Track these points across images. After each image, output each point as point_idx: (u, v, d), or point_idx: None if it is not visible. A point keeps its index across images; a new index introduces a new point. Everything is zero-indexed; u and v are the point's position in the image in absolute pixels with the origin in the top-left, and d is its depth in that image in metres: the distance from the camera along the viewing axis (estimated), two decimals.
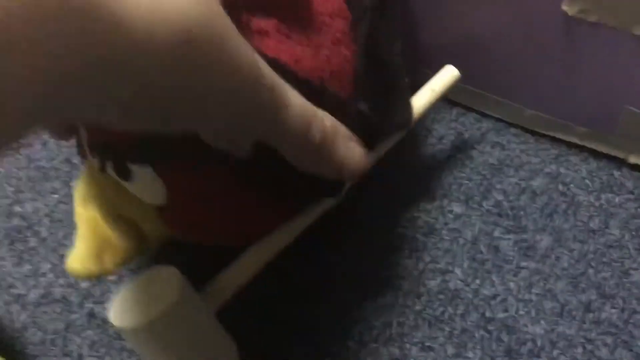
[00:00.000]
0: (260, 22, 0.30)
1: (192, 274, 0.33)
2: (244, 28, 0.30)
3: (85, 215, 0.36)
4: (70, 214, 0.46)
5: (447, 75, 0.44)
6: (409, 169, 0.48)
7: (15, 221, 0.46)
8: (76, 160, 0.49)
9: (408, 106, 0.40)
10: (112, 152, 0.33)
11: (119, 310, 0.33)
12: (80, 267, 0.35)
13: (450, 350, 0.40)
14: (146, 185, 0.34)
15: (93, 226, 0.36)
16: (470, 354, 0.40)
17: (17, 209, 0.47)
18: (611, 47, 0.41)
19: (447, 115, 0.51)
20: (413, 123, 0.41)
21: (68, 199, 0.47)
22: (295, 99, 0.28)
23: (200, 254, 0.38)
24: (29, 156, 0.49)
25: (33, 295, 0.43)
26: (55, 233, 0.45)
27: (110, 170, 0.34)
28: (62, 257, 0.44)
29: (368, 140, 0.36)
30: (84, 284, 0.43)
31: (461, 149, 0.49)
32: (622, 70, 0.42)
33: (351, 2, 0.35)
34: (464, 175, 0.48)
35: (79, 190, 0.37)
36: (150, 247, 0.37)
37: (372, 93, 0.36)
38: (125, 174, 0.34)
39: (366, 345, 0.41)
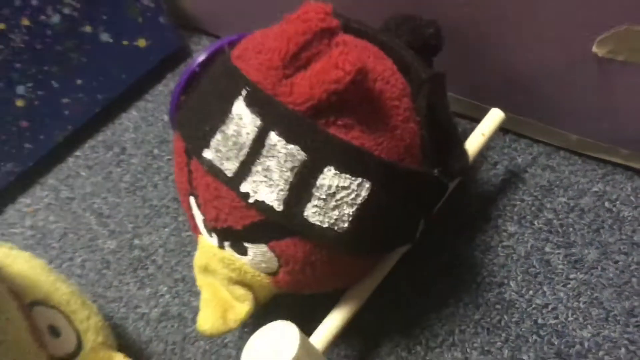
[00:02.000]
0: (345, 119, 0.37)
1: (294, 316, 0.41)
2: (330, 125, 0.37)
3: (207, 283, 0.44)
4: (180, 244, 0.55)
5: (494, 117, 0.50)
6: (467, 193, 0.54)
7: (136, 252, 0.56)
8: None
9: (464, 154, 0.46)
10: (230, 235, 0.41)
11: (251, 356, 0.41)
12: (210, 328, 0.42)
13: (507, 353, 0.46)
14: (259, 258, 0.41)
15: (214, 292, 0.43)
16: (524, 357, 0.46)
17: (137, 242, 0.56)
18: (639, 79, 0.46)
19: (501, 142, 0.57)
20: (469, 168, 0.48)
21: (177, 232, 0.56)
22: None
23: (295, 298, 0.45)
24: (143, 197, 0.59)
25: (154, 313, 0.52)
26: (169, 261, 0.55)
27: (227, 247, 0.42)
28: (176, 281, 0.53)
29: (439, 197, 0.44)
30: (195, 303, 0.52)
31: (514, 172, 0.55)
32: None
33: (411, 78, 0.42)
34: (517, 196, 0.54)
35: (198, 262, 0.44)
36: (260, 304, 0.44)
37: (437, 154, 0.42)
38: (242, 251, 0.42)
39: (433, 350, 0.47)
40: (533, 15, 0.47)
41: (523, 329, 0.47)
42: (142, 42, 0.63)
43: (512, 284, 0.49)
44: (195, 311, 0.52)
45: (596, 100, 0.49)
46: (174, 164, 0.46)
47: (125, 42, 0.62)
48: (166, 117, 0.64)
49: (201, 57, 0.46)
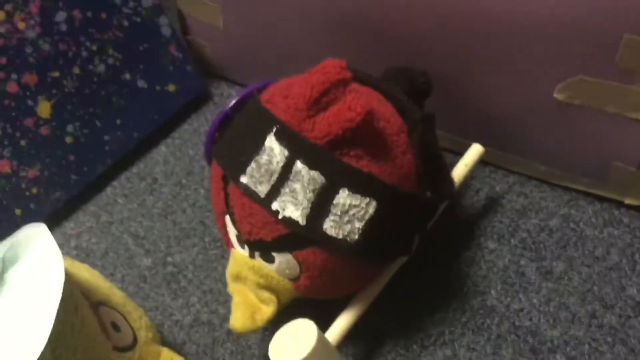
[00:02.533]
0: (356, 151, 0.47)
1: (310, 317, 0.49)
2: (344, 156, 0.47)
3: (237, 289, 0.53)
4: (206, 261, 0.64)
5: (475, 151, 0.60)
6: (453, 216, 0.64)
7: (169, 268, 0.64)
8: (208, 221, 0.67)
9: (451, 181, 0.56)
10: (261, 246, 0.50)
11: (275, 352, 0.49)
12: (241, 327, 0.51)
13: (489, 350, 0.55)
14: (284, 265, 0.50)
15: (244, 297, 0.52)
16: (504, 352, 0.55)
17: (169, 259, 0.65)
18: (593, 121, 0.56)
19: (482, 173, 0.67)
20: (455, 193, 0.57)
21: (204, 251, 0.65)
22: None
23: (310, 303, 0.54)
24: (174, 221, 0.67)
25: (187, 320, 0.60)
26: (198, 275, 0.63)
27: (257, 257, 0.51)
28: (204, 292, 0.62)
29: (431, 215, 0.53)
30: (222, 311, 0.60)
31: (493, 198, 0.64)
32: (605, 136, 0.56)
33: (406, 118, 0.52)
34: (496, 219, 0.63)
35: (231, 270, 0.53)
36: (282, 306, 0.53)
37: (429, 180, 0.52)
38: (270, 259, 0.51)
39: (427, 348, 0.56)
40: (506, 66, 0.57)
41: (502, 330, 0.56)
42: (172, 88, 0.72)
43: (492, 292, 0.58)
44: (223, 318, 0.60)
45: (559, 136, 0.59)
46: (211, 190, 0.55)
47: (157, 87, 0.71)
48: (191, 152, 0.73)
49: (234, 101, 0.56)
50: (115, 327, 0.48)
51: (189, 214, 0.68)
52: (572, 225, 0.61)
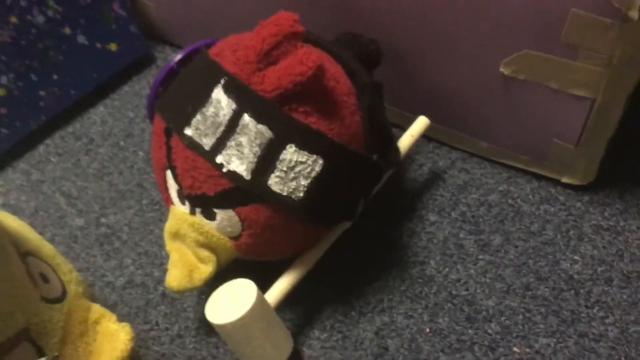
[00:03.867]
0: (305, 107, 0.46)
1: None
2: (293, 111, 0.46)
3: (175, 247, 0.51)
4: (143, 223, 0.62)
5: (421, 123, 0.60)
6: (397, 188, 0.64)
7: (103, 229, 0.62)
8: (146, 184, 0.65)
9: (397, 149, 0.56)
10: (203, 201, 0.48)
11: (213, 311, 0.48)
12: (177, 285, 0.49)
13: (426, 317, 0.55)
14: (225, 223, 0.49)
15: (182, 255, 0.50)
16: (440, 320, 0.55)
17: (103, 220, 0.62)
18: (537, 96, 0.57)
19: (426, 148, 0.67)
20: (400, 161, 0.58)
21: (141, 213, 0.62)
22: None
23: (250, 266, 0.53)
24: (110, 182, 0.65)
25: (119, 282, 0.58)
26: (133, 237, 0.61)
27: (198, 213, 0.50)
28: (139, 255, 0.60)
29: (377, 180, 0.53)
30: (157, 273, 0.58)
31: (436, 173, 0.65)
32: (546, 112, 0.58)
33: (356, 81, 0.51)
34: (437, 192, 0.64)
35: (169, 228, 0.51)
36: (221, 267, 0.52)
37: (375, 145, 0.52)
38: (211, 216, 0.49)
39: (365, 315, 0.56)
40: (453, 42, 0.57)
41: (440, 299, 0.57)
42: (113, 47, 0.70)
43: (432, 262, 0.59)
44: (158, 280, 0.58)
45: (502, 113, 0.60)
46: (152, 145, 0.53)
47: (98, 45, 0.69)
48: (131, 114, 0.70)
49: (180, 56, 0.54)
50: (44, 279, 0.45)
51: (126, 176, 0.65)
52: (510, 201, 0.63)
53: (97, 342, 0.46)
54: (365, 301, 0.57)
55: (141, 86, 0.73)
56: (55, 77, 0.66)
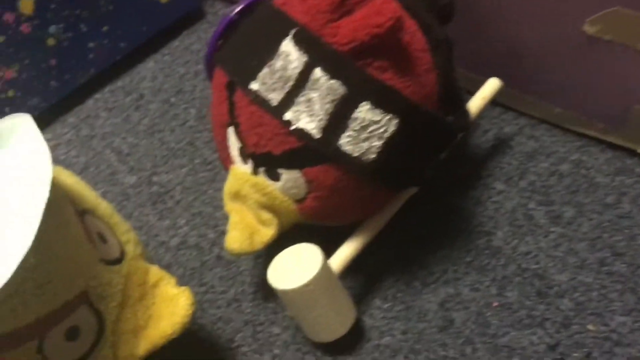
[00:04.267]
0: (381, 62, 0.43)
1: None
2: (368, 66, 0.43)
3: (235, 208, 0.48)
4: (196, 183, 0.60)
5: (493, 85, 0.56)
6: (460, 155, 0.61)
7: (155, 188, 0.59)
8: (198, 143, 0.62)
9: (467, 113, 0.52)
10: (267, 161, 0.46)
11: (275, 276, 0.46)
12: (238, 247, 0.47)
13: (494, 291, 0.53)
14: (290, 184, 0.46)
15: (242, 216, 0.48)
16: (509, 294, 0.52)
17: (155, 179, 0.60)
18: (621, 59, 0.53)
19: (491, 113, 0.63)
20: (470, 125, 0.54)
21: (194, 172, 0.60)
22: None
23: (309, 231, 0.50)
24: (161, 139, 0.63)
25: (173, 242, 0.56)
26: (186, 197, 0.59)
27: (261, 173, 0.47)
28: (193, 215, 0.58)
29: (450, 143, 0.49)
30: (212, 235, 0.56)
31: (502, 140, 0.61)
32: (630, 76, 0.54)
33: (430, 37, 0.48)
34: (504, 160, 0.60)
35: (230, 188, 0.48)
36: (282, 230, 0.49)
37: (447, 107, 0.48)
38: (275, 177, 0.46)
39: (428, 285, 0.53)
40: None
41: (508, 272, 0.54)
42: None
43: (499, 233, 0.56)
44: (212, 242, 0.56)
45: (581, 75, 0.56)
46: (212, 100, 0.50)
47: None
48: (182, 70, 0.68)
49: (240, 6, 0.51)
50: (102, 239, 0.43)
51: (177, 134, 0.63)
52: (583, 171, 0.59)
53: (155, 306, 0.44)
54: (429, 271, 0.54)
55: (191, 41, 0.70)
56: (105, 28, 0.64)
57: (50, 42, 0.60)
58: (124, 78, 0.67)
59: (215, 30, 0.51)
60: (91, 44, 0.63)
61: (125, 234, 0.46)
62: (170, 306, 0.43)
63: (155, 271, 0.46)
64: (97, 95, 0.65)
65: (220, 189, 0.59)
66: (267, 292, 0.53)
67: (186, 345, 0.46)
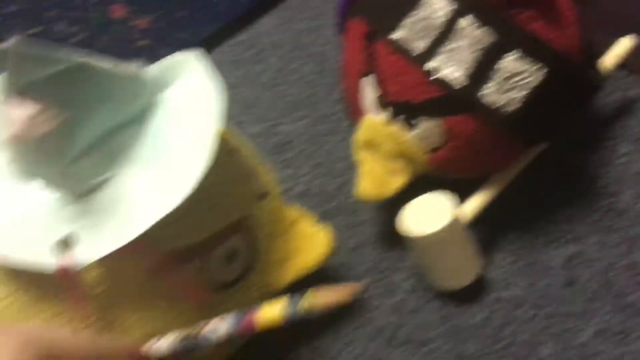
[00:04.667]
0: (530, 12, 0.43)
1: None
2: (518, 15, 0.43)
3: (366, 157, 0.50)
4: (316, 135, 0.61)
5: (627, 44, 0.55)
6: (586, 117, 0.59)
7: (278, 138, 0.61)
8: (317, 96, 0.63)
9: (598, 71, 0.51)
10: (406, 109, 0.46)
11: (407, 222, 0.47)
12: (367, 195, 0.48)
13: (623, 249, 0.52)
14: (427, 133, 0.47)
15: (373, 166, 0.49)
16: (636, 255, 0.52)
17: (278, 129, 0.62)
18: None
19: (615, 74, 0.62)
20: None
21: (314, 124, 0.62)
22: None
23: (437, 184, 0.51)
24: (282, 92, 0.64)
25: (296, 190, 0.58)
26: (308, 148, 0.60)
27: (397, 122, 0.48)
28: (314, 165, 0.59)
29: (590, 98, 0.49)
30: (333, 185, 0.58)
31: (627, 102, 0.60)
32: None
33: None
34: (629, 123, 0.59)
35: (362, 137, 0.49)
36: (411, 179, 0.50)
37: (587, 62, 0.47)
38: (411, 126, 0.47)
39: (552, 242, 0.53)
40: None
41: (635, 233, 0.53)
42: None
43: (625, 195, 0.55)
44: (334, 192, 0.57)
45: None
46: (346, 51, 0.52)
47: None
48: (300, 25, 0.69)
49: None
50: (251, 175, 0.45)
51: (297, 87, 0.64)
52: None
53: (297, 241, 0.46)
54: (553, 228, 0.54)
55: None
56: None
57: None
58: (245, 32, 0.68)
59: None
60: None
61: (267, 174, 0.48)
62: (312, 241, 0.46)
63: (294, 209, 0.48)
64: (221, 48, 0.67)
65: (340, 141, 0.61)
66: (388, 241, 0.54)
67: (315, 283, 0.47)
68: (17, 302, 0.40)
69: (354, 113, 0.52)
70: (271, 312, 0.38)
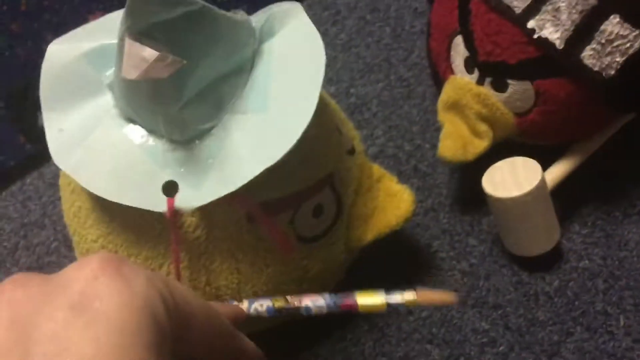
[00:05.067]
0: None
1: None
2: None
3: (450, 118, 0.50)
4: (392, 98, 0.61)
5: None
6: None
7: (352, 99, 0.62)
8: (393, 60, 0.63)
9: None
10: (499, 70, 0.46)
11: (491, 184, 0.46)
12: (451, 155, 0.48)
13: None
14: (517, 96, 0.46)
15: (457, 127, 0.49)
16: None
17: (353, 91, 0.62)
18: None
19: None
20: None
21: (390, 88, 0.62)
22: None
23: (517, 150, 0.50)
24: (358, 54, 0.64)
25: (372, 150, 0.58)
26: (383, 110, 0.60)
27: (487, 84, 0.47)
28: (389, 127, 0.59)
29: None
30: (408, 147, 0.58)
31: None
32: None
33: None
34: None
35: (447, 98, 0.49)
36: (494, 143, 0.49)
37: None
38: (502, 87, 0.47)
39: (630, 216, 0.52)
40: None
41: None
42: None
43: None
44: (409, 154, 0.58)
45: None
46: (436, 10, 0.51)
47: None
48: None
49: None
50: (339, 131, 0.46)
51: (373, 50, 0.65)
52: None
53: (380, 199, 0.46)
54: (631, 203, 0.53)
55: None
56: None
57: None
58: None
59: None
60: None
61: (352, 131, 0.48)
62: (394, 201, 0.46)
63: (377, 168, 0.49)
64: None
65: (415, 105, 0.61)
66: (462, 205, 0.54)
67: (390, 243, 0.48)
68: (110, 245, 0.41)
69: (442, 72, 0.52)
70: (375, 298, 0.39)
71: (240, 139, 0.38)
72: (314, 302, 0.39)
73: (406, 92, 0.61)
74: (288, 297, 0.39)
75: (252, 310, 0.39)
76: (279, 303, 0.39)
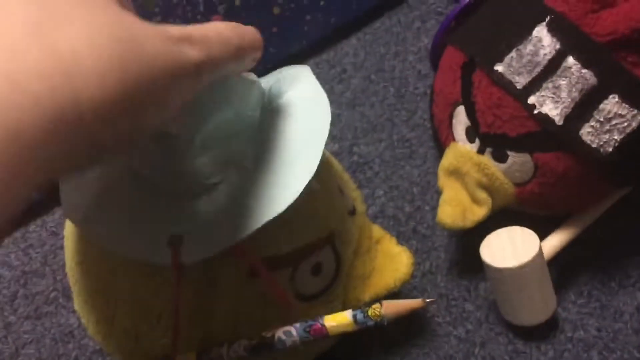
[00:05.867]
0: (634, 57, 0.44)
1: None
2: (621, 60, 0.43)
3: (450, 184, 0.50)
4: (394, 158, 0.62)
5: None
6: None
7: (355, 158, 0.62)
8: (397, 120, 0.65)
9: None
10: (499, 141, 0.47)
11: (489, 253, 0.47)
12: (451, 222, 0.49)
13: None
14: (516, 167, 0.48)
15: (456, 193, 0.50)
16: None
17: (355, 149, 0.63)
18: None
19: None
20: None
21: (392, 148, 0.63)
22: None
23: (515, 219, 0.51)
24: (362, 113, 0.65)
25: (371, 210, 0.59)
26: (384, 170, 0.61)
27: (487, 153, 0.49)
28: (390, 188, 0.60)
29: None
30: (408, 209, 0.59)
31: None
32: None
33: None
34: None
35: (448, 164, 0.50)
36: (493, 212, 0.50)
37: None
38: (501, 158, 0.48)
39: (625, 287, 0.53)
40: None
41: None
42: None
43: None
44: (408, 215, 0.58)
45: None
46: (440, 79, 0.53)
47: None
48: (382, 50, 0.70)
49: None
50: (340, 191, 0.46)
51: (377, 109, 0.66)
52: None
53: (379, 260, 0.47)
54: (627, 274, 0.54)
55: (392, 24, 0.73)
56: (322, 2, 0.67)
57: (276, 10, 0.64)
58: (328, 52, 0.70)
59: (449, 13, 0.54)
60: (308, 17, 0.67)
61: (354, 191, 0.49)
62: (393, 262, 0.46)
63: (377, 229, 0.49)
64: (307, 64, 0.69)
65: (416, 167, 0.62)
66: (460, 269, 0.55)
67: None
68: (110, 296, 0.42)
69: (443, 139, 0.53)
70: (341, 317, 0.41)
71: (246, 193, 0.39)
72: (286, 333, 0.41)
73: (408, 152, 0.62)
74: (262, 333, 0.41)
75: (231, 353, 0.41)
76: (255, 340, 0.41)
